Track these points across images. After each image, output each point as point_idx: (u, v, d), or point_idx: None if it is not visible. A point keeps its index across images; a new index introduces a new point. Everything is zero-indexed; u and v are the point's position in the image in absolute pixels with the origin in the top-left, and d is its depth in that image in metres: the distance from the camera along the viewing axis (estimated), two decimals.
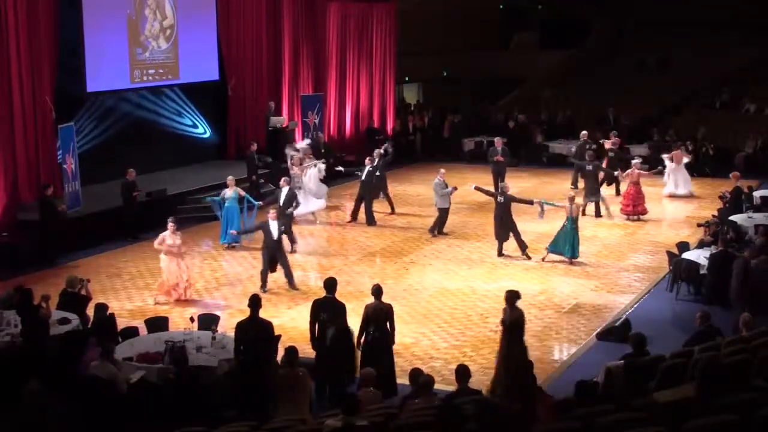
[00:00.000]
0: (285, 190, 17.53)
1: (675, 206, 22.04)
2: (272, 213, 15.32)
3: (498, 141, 23.44)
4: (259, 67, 24.60)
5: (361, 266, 16.83)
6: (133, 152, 20.29)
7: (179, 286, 14.54)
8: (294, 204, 17.47)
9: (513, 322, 10.78)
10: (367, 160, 20.44)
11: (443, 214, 18.89)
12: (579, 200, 17.68)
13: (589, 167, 20.38)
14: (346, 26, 27.76)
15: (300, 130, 25.61)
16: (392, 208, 21.05)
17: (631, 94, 31.36)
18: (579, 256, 16.85)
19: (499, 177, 22.90)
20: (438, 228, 18.92)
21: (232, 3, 23.78)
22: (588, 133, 24.25)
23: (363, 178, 20.04)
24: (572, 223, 16.74)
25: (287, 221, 17.26)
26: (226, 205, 17.84)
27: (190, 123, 23.91)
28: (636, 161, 21.17)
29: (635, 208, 20.23)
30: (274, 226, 15.01)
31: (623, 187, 21.35)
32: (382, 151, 21.38)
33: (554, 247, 16.90)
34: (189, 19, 22.80)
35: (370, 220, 19.99)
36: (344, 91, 27.96)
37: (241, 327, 10.33)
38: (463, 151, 29.20)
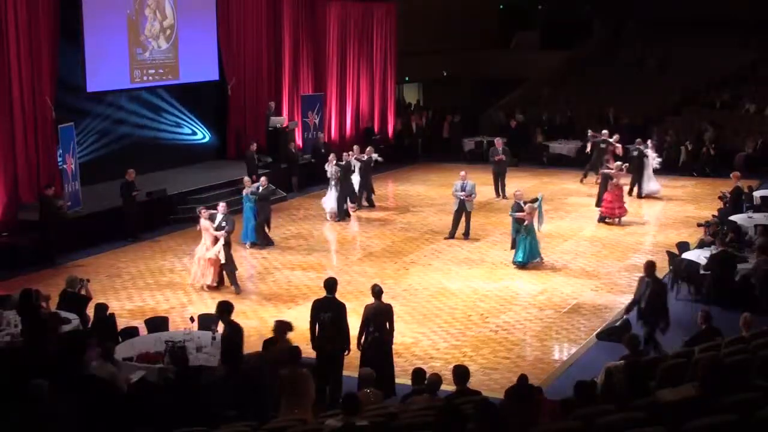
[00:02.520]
0: (261, 187, 17.94)
1: (674, 206, 22.05)
2: (222, 206, 15.40)
3: (498, 141, 23.50)
4: (259, 67, 24.59)
5: (361, 266, 16.83)
6: (134, 164, 19.87)
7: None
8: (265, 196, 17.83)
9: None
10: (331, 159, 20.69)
11: (454, 216, 18.73)
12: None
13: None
14: (346, 26, 27.75)
15: (300, 129, 25.62)
16: (357, 205, 21.33)
17: (631, 94, 31.38)
18: (538, 257, 16.62)
19: (499, 177, 22.96)
20: (454, 231, 18.74)
21: (232, 3, 23.78)
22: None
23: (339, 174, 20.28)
24: (529, 230, 16.47)
25: (264, 216, 17.65)
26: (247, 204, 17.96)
27: (189, 131, 23.92)
28: (618, 162, 21.04)
29: (617, 211, 20.15)
30: (217, 220, 15.12)
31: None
32: (365, 157, 21.49)
33: (514, 256, 16.67)
34: (189, 19, 22.81)
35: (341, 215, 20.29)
36: (344, 91, 27.95)
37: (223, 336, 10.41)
38: (463, 151, 29.22)
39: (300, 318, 13.12)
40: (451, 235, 18.63)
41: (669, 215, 21.13)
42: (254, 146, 22.02)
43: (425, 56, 33.04)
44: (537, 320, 13.89)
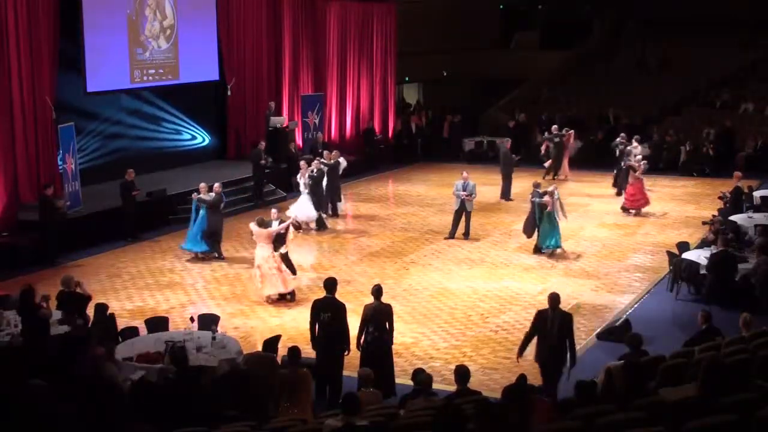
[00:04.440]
0: (214, 194, 17.16)
1: (674, 206, 22.04)
2: (274, 213, 15.28)
3: (507, 143, 23.67)
4: (259, 67, 24.59)
5: (361, 266, 16.83)
6: (134, 169, 19.45)
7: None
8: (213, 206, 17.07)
9: None
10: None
11: (454, 216, 18.69)
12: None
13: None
14: (346, 26, 27.75)
15: (300, 129, 25.62)
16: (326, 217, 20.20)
17: (631, 94, 31.39)
18: (561, 245, 17.22)
19: (507, 178, 22.98)
20: (455, 231, 18.70)
21: (232, 3, 23.78)
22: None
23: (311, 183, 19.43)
24: (550, 216, 17.02)
25: (215, 226, 17.02)
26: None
27: (189, 136, 23.94)
28: (638, 157, 21.72)
29: (641, 202, 20.77)
30: (274, 227, 14.90)
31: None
32: (331, 161, 20.74)
33: (542, 242, 17.22)
34: (189, 19, 22.80)
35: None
36: (344, 91, 27.95)
37: None
38: (463, 151, 29.24)
39: (300, 318, 13.17)
40: (451, 235, 18.62)
41: (669, 215, 21.12)
42: (262, 145, 21.90)
43: (425, 56, 33.05)
44: None
